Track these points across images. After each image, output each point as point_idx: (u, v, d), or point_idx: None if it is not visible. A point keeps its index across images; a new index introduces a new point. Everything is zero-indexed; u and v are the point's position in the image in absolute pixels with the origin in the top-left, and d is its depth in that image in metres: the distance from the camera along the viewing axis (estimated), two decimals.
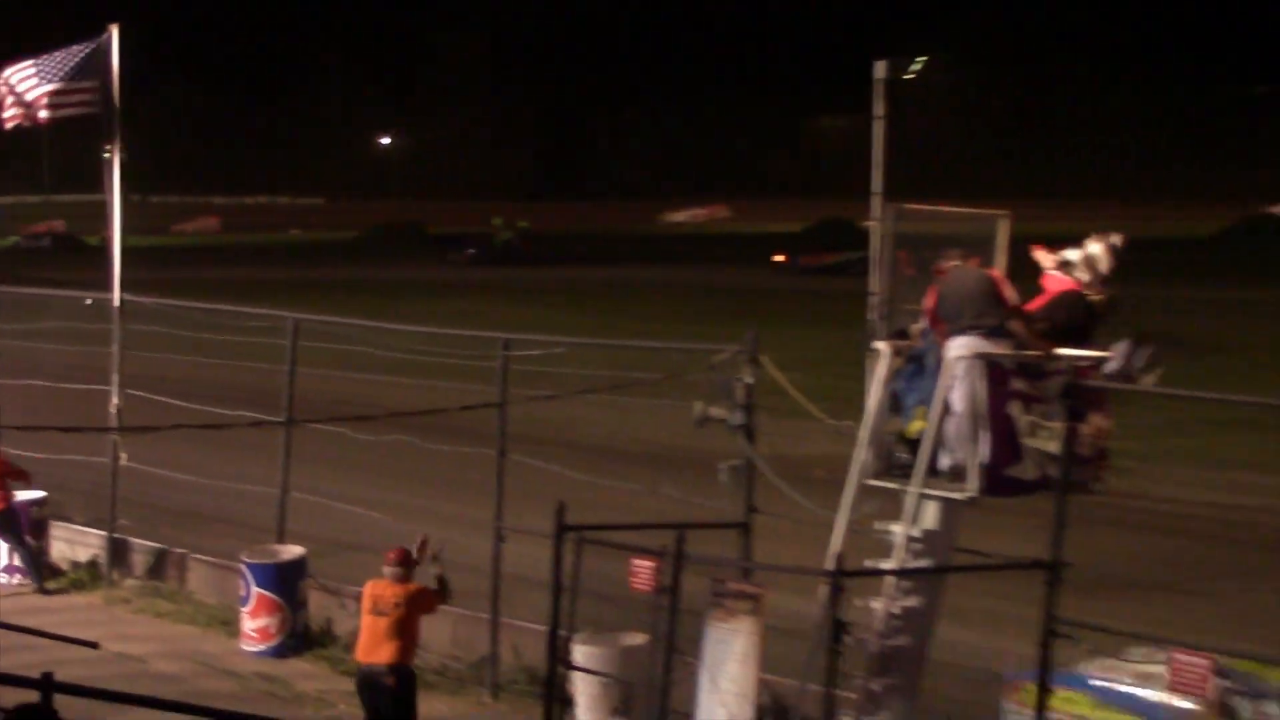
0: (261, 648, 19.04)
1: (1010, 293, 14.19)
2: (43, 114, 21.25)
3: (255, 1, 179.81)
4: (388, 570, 15.29)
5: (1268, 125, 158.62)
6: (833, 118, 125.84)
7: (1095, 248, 14.88)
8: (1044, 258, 14.86)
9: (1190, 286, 67.04)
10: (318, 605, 19.54)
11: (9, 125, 21.57)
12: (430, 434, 19.89)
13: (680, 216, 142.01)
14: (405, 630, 15.10)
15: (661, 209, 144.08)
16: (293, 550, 19.74)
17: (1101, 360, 14.40)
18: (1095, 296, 14.71)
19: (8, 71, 21.30)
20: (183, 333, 24.84)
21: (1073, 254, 14.88)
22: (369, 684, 15.13)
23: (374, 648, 15.11)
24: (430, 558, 15.42)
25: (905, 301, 14.94)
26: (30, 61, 21.25)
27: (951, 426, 13.95)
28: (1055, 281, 14.69)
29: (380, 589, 15.24)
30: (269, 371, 21.34)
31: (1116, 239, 14.97)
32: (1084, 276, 14.77)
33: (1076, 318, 14.49)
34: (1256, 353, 47.10)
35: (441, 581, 15.43)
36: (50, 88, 21.00)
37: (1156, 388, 16.63)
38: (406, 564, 15.27)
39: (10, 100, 21.23)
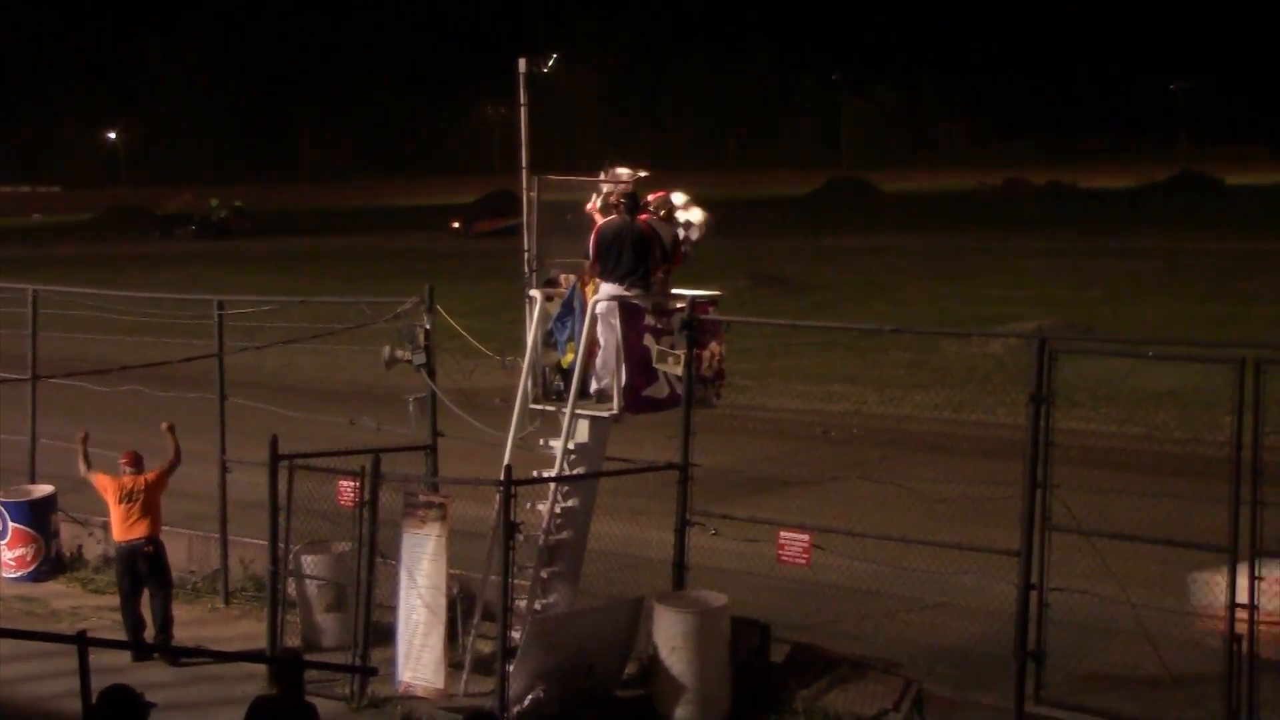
0: (20, 574, 18.55)
1: (655, 245, 14.36)
2: None
3: None
4: (127, 469, 15.84)
5: (845, 105, 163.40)
6: (495, 105, 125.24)
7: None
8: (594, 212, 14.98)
9: (791, 237, 68.61)
10: (68, 535, 19.10)
11: None
12: (160, 384, 19.37)
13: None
14: (152, 509, 15.74)
15: (357, 188, 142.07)
16: (44, 489, 19.25)
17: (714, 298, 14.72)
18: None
19: None
20: None
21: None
22: (131, 555, 15.65)
23: (131, 527, 15.65)
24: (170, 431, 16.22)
25: (552, 256, 15.05)
26: None
27: (598, 358, 14.14)
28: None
29: (125, 482, 15.73)
30: (13, 337, 20.57)
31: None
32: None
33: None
34: (843, 289, 48.50)
35: (176, 445, 16.13)
36: None
37: (763, 320, 17.04)
38: (138, 463, 15.92)
39: None
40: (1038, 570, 12.32)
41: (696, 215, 14.95)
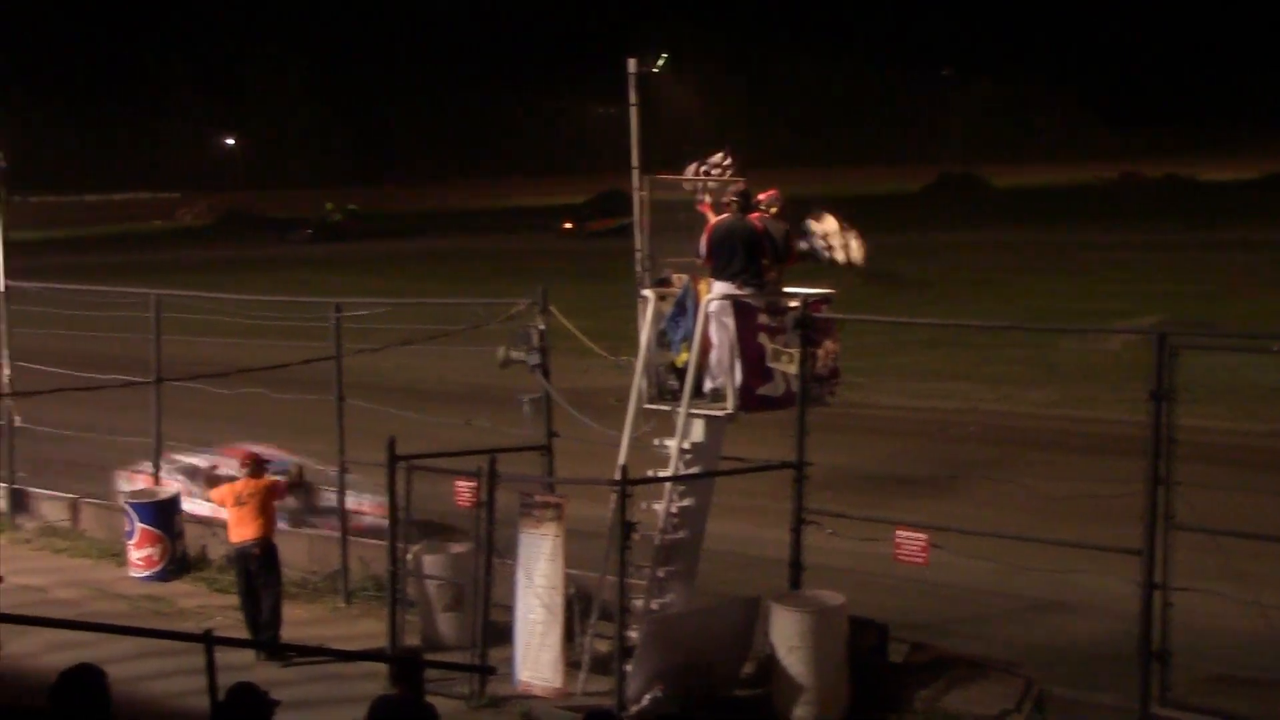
0: (147, 574, 18.82)
1: (767, 244, 14.32)
2: None
3: (107, 28, 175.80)
4: (241, 471, 16.22)
5: (955, 99, 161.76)
6: (605, 105, 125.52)
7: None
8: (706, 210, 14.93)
9: (901, 233, 68.03)
10: (193, 535, 19.33)
11: None
12: (279, 386, 19.63)
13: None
14: (263, 512, 15.97)
15: (463, 189, 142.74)
16: (168, 489, 19.54)
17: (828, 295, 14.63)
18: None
19: None
20: (63, 311, 24.20)
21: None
22: (242, 556, 15.97)
23: (242, 529, 15.92)
24: (299, 474, 16.83)
25: (664, 256, 15.03)
26: None
27: (713, 357, 14.11)
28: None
29: (239, 486, 16.06)
30: (137, 341, 20.91)
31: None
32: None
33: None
34: (955, 285, 48.10)
35: (300, 478, 16.82)
36: None
37: (876, 318, 16.93)
38: (255, 463, 16.20)
39: None
40: (1161, 569, 12.13)
41: (855, 249, 14.94)
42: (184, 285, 25.89)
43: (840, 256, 14.98)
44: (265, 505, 15.99)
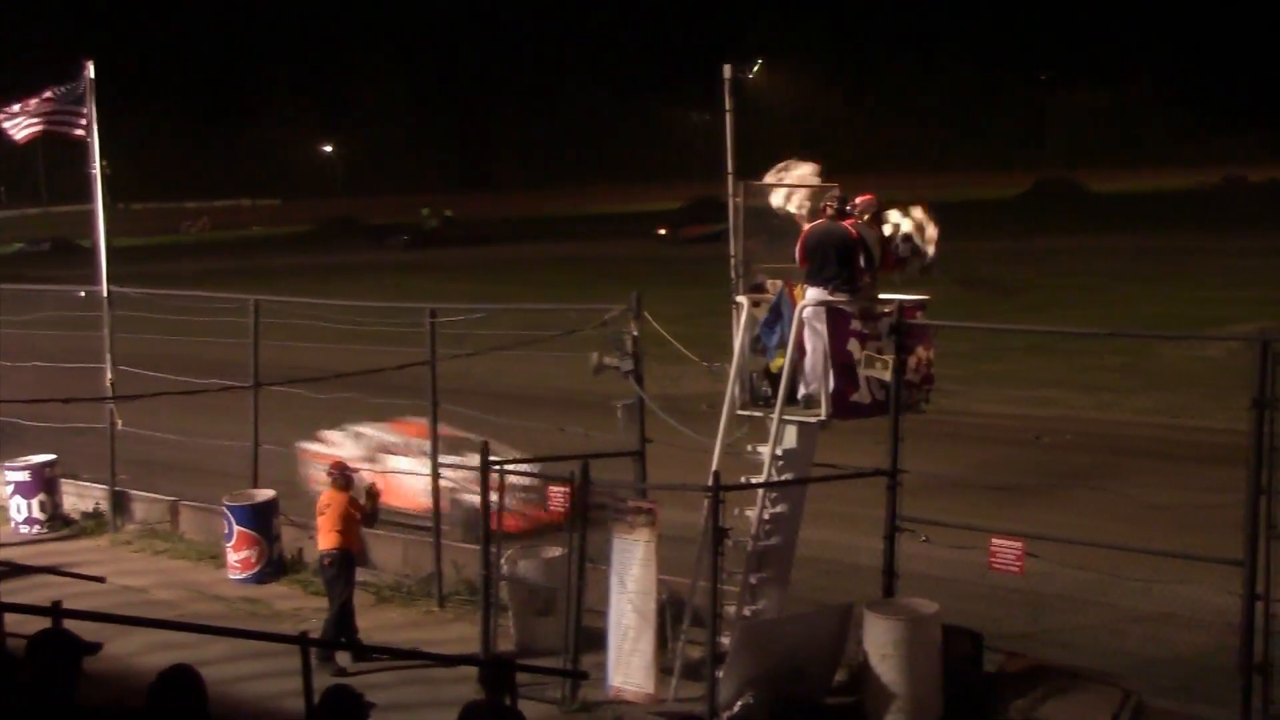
0: (244, 576, 19.04)
1: (861, 249, 14.25)
2: (31, 131, 20.91)
3: (210, 38, 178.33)
4: (326, 479, 16.61)
5: (1053, 104, 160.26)
6: (699, 112, 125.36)
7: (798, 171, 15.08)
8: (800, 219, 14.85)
9: (999, 239, 67.48)
10: (289, 538, 19.53)
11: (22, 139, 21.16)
12: (374, 391, 19.78)
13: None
14: (334, 525, 16.10)
15: (558, 196, 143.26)
16: (266, 493, 19.73)
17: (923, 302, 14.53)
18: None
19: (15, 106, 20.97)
20: (162, 317, 24.52)
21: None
22: (320, 565, 16.39)
23: (319, 538, 16.29)
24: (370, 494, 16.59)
25: (758, 261, 14.99)
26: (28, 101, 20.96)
27: (806, 363, 14.06)
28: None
29: (323, 497, 16.44)
30: (236, 345, 21.16)
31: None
32: (805, 206, 14.89)
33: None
34: (1054, 291, 47.61)
35: (372, 505, 16.56)
36: (50, 108, 20.78)
37: (972, 324, 16.77)
38: (339, 470, 16.53)
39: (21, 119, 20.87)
40: (1263, 580, 11.92)
41: (930, 233, 14.81)
42: (281, 290, 26.20)
43: (920, 245, 14.84)
44: (341, 517, 16.10)
